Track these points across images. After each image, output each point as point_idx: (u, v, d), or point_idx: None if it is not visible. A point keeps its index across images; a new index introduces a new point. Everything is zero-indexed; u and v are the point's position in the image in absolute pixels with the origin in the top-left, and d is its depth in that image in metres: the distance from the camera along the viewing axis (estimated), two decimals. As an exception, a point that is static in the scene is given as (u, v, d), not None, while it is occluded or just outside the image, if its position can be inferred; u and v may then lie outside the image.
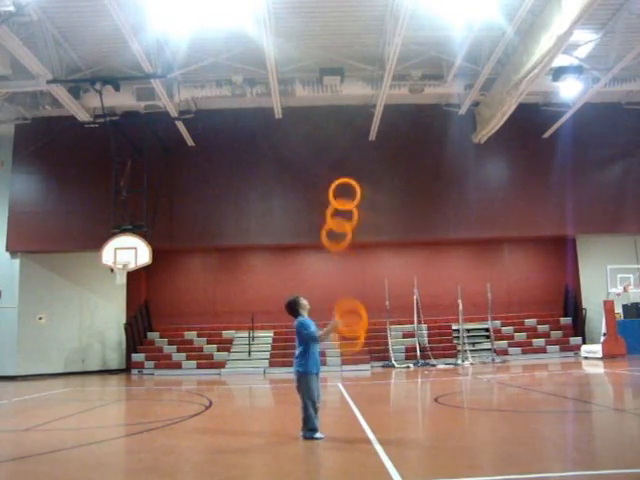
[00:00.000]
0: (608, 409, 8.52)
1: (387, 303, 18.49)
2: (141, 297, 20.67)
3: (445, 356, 18.41)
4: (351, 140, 18.54)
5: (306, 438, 6.50)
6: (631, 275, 18.81)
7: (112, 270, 15.64)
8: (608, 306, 17.79)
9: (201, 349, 19.17)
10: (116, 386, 16.18)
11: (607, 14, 13.82)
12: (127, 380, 17.32)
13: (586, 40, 14.63)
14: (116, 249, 15.46)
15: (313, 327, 6.71)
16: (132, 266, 15.56)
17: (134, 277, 18.11)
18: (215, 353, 18.87)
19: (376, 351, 18.34)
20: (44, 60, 13.78)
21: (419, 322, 18.76)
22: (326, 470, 5.64)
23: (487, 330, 19.10)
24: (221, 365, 18.18)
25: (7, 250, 18.43)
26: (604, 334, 17.75)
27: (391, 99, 16.33)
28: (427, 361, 17.84)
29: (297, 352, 6.72)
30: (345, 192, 9.26)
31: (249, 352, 18.71)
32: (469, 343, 18.68)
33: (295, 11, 13.40)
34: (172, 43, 14.36)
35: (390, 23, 13.32)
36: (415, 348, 18.25)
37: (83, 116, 16.67)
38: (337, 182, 8.66)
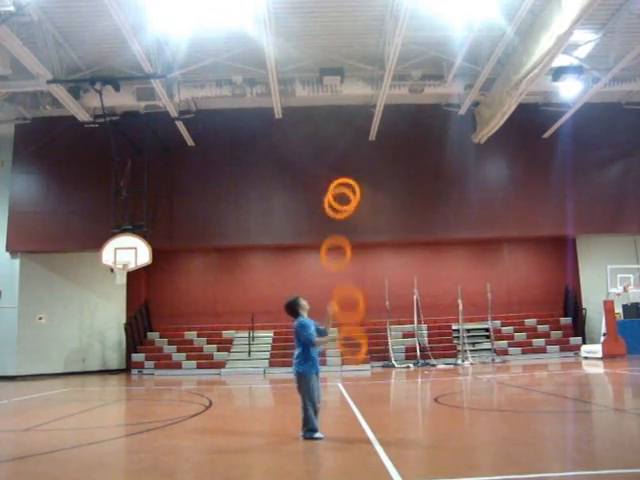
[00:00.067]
0: (608, 409, 8.52)
1: (387, 303, 18.49)
2: (141, 297, 20.67)
3: (445, 356, 18.41)
4: (351, 140, 18.54)
5: (306, 438, 6.50)
6: (631, 275, 18.81)
7: (112, 270, 15.64)
8: (608, 306, 17.79)
9: (201, 349, 19.17)
10: (116, 386, 16.18)
11: (607, 14, 13.83)
12: (127, 380, 17.32)
13: (586, 40, 14.64)
14: (116, 249, 15.46)
15: (313, 327, 6.71)
16: (132, 266, 15.56)
17: (134, 277, 18.12)
18: (215, 353, 18.87)
19: (376, 351, 18.34)
20: (44, 60, 13.79)
21: (419, 322, 18.76)
22: (326, 470, 5.64)
23: (487, 330, 19.09)
24: (221, 365, 18.19)
25: (7, 250, 18.44)
26: (604, 334, 17.75)
27: (391, 99, 16.33)
28: (427, 361, 17.84)
29: (296, 353, 6.72)
30: (344, 194, 9.27)
31: (249, 352, 18.71)
32: (469, 343, 18.67)
33: (295, 11, 13.41)
34: (172, 43, 14.36)
35: (390, 23, 13.32)
36: (415, 348, 18.25)
37: (83, 116, 16.68)
38: (336, 182, 8.67)
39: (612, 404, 9.33)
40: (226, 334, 19.88)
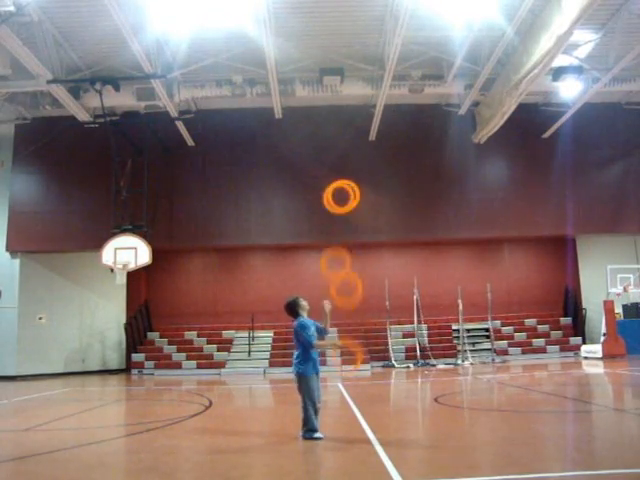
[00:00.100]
0: (608, 409, 8.52)
1: (387, 303, 18.49)
2: (141, 297, 20.67)
3: (445, 356, 18.40)
4: (351, 140, 18.54)
5: (305, 438, 6.50)
6: (631, 275, 18.81)
7: (112, 270, 15.63)
8: (608, 306, 17.79)
9: (201, 349, 19.17)
10: (116, 386, 16.18)
11: (607, 14, 13.82)
12: (127, 380, 17.32)
13: (586, 40, 14.64)
14: (116, 249, 15.45)
15: (313, 328, 6.71)
16: (132, 266, 15.55)
17: (134, 277, 18.11)
18: (215, 353, 18.87)
19: (376, 351, 18.35)
20: (44, 60, 13.78)
21: (419, 322, 18.76)
22: (326, 470, 5.64)
23: (487, 330, 19.09)
24: (221, 365, 18.19)
25: (7, 250, 18.43)
26: (604, 334, 17.75)
27: (391, 99, 16.33)
28: (427, 361, 17.84)
29: (296, 353, 6.72)
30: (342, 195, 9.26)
31: (249, 352, 18.71)
32: (469, 343, 18.67)
33: (295, 11, 13.40)
34: (172, 43, 14.36)
35: (390, 23, 13.32)
36: (415, 348, 18.25)
37: (83, 116, 16.67)
38: (334, 185, 8.68)
39: (612, 404, 9.33)
40: (226, 334, 19.88)
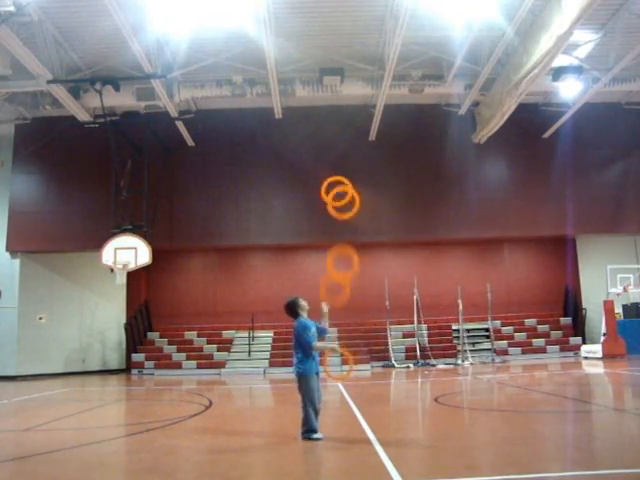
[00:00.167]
0: (608, 409, 8.52)
1: (387, 303, 18.49)
2: (141, 297, 20.67)
3: (445, 356, 18.40)
4: (351, 140, 18.55)
5: (305, 439, 6.50)
6: (631, 275, 18.81)
7: (112, 270, 15.64)
8: (608, 306, 17.79)
9: (201, 349, 19.17)
10: (116, 386, 16.19)
11: (607, 14, 13.83)
12: (127, 380, 17.32)
13: (586, 40, 14.64)
14: (116, 249, 15.46)
15: (314, 329, 6.71)
16: (132, 266, 15.56)
17: (134, 277, 18.12)
18: (215, 353, 18.87)
19: (376, 351, 18.34)
20: (44, 60, 13.78)
21: (419, 322, 18.76)
22: (326, 470, 5.64)
23: (487, 330, 19.10)
24: (221, 365, 18.18)
25: (7, 250, 18.44)
26: (604, 334, 17.75)
27: (391, 99, 16.33)
28: (427, 361, 17.84)
29: (296, 353, 6.71)
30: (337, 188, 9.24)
31: (249, 352, 18.71)
32: (469, 343, 18.67)
33: (295, 11, 13.41)
34: (172, 43, 14.37)
35: (390, 23, 13.32)
36: (415, 348, 18.25)
37: (83, 116, 16.68)
38: (329, 180, 8.68)
39: (612, 404, 9.34)
40: (226, 334, 19.88)
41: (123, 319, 20.15)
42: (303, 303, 6.84)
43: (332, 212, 8.64)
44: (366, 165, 18.28)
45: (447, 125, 18.42)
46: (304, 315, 6.81)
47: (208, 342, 19.42)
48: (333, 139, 18.42)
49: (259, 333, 19.65)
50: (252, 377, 16.77)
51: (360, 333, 19.31)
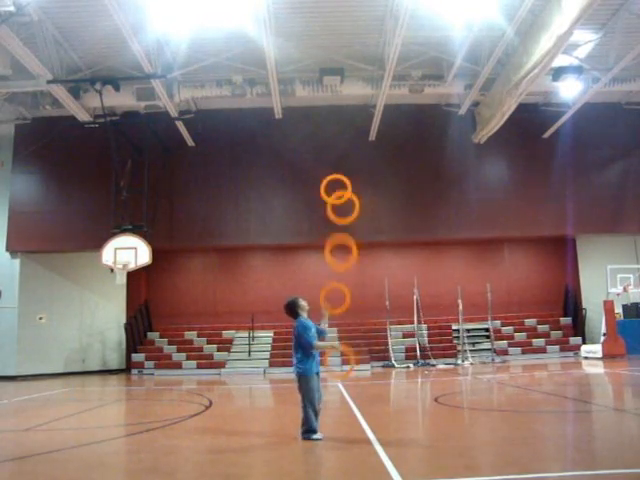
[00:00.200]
0: (608, 409, 8.52)
1: (387, 303, 18.49)
2: (141, 297, 20.66)
3: (445, 356, 18.40)
4: (351, 140, 18.55)
5: (304, 439, 6.50)
6: (631, 275, 18.81)
7: (112, 270, 15.64)
8: (608, 306, 17.79)
9: (201, 349, 19.17)
10: (116, 386, 16.19)
11: (607, 14, 13.83)
12: (127, 380, 17.32)
13: (586, 40, 14.64)
14: (116, 249, 15.46)
15: (314, 329, 6.71)
16: (132, 266, 15.56)
17: (134, 277, 18.12)
18: (215, 353, 18.86)
19: (376, 351, 18.34)
20: (44, 60, 13.78)
21: (419, 322, 18.76)
22: (326, 470, 5.64)
23: (487, 330, 19.10)
24: (221, 365, 18.18)
25: (7, 250, 18.44)
26: (604, 334, 17.75)
27: (391, 99, 16.33)
28: (427, 361, 17.84)
29: (296, 353, 6.71)
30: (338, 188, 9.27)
31: (249, 352, 18.71)
32: (469, 343, 18.67)
33: (295, 11, 13.41)
34: (172, 43, 14.37)
35: (390, 23, 13.32)
36: (415, 348, 18.25)
37: (83, 116, 16.68)
38: (328, 179, 8.70)
39: (612, 404, 9.34)
40: (226, 334, 19.88)
41: (123, 319, 20.15)
42: (303, 303, 6.84)
43: (332, 217, 8.66)
44: (366, 165, 18.28)
45: (447, 125, 18.42)
46: (304, 315, 6.80)
47: (208, 342, 19.42)
48: (333, 139, 18.42)
49: (259, 333, 19.65)
50: (252, 377, 16.77)
51: (360, 333, 19.30)
